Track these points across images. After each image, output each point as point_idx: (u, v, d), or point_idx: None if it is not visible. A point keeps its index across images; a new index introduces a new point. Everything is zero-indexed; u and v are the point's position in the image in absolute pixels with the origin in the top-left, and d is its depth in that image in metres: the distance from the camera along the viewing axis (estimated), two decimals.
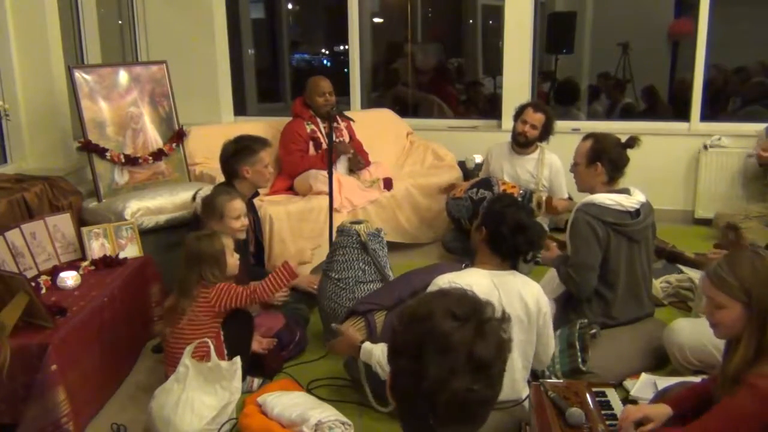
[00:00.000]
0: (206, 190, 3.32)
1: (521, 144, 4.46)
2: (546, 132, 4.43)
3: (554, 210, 4.32)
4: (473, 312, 1.21)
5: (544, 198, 4.31)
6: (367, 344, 2.60)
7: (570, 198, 4.42)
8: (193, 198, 3.34)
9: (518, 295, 2.42)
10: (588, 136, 3.17)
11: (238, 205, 3.18)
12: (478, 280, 2.38)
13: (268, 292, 2.86)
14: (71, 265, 3.20)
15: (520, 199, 4.01)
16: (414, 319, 1.22)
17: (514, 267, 2.53)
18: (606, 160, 3.06)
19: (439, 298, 1.26)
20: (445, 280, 2.40)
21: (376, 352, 2.52)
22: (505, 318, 1.24)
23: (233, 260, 2.92)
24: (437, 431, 1.20)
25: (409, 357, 1.20)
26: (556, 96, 6.81)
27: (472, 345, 1.17)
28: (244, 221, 3.23)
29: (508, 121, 5.04)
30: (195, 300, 2.77)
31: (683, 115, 5.44)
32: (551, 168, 4.46)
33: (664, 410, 2.10)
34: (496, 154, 4.61)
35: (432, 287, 2.43)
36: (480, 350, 1.17)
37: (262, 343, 3.03)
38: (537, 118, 4.39)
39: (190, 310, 2.77)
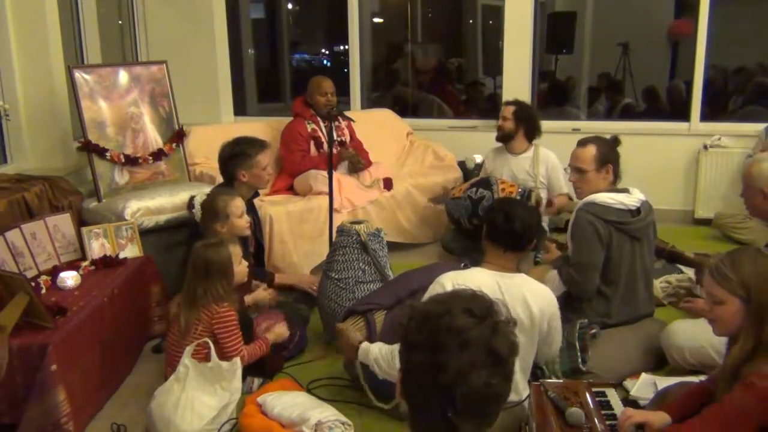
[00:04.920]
0: (201, 196, 3.28)
1: (500, 139, 4.54)
2: (526, 123, 4.46)
3: (555, 207, 4.34)
4: (488, 311, 1.26)
5: (543, 197, 4.31)
6: (364, 344, 2.60)
7: (569, 195, 4.41)
8: (190, 206, 3.22)
9: (522, 298, 2.42)
10: (585, 142, 3.14)
11: (240, 203, 3.20)
12: (482, 280, 2.38)
13: (250, 359, 2.81)
14: (71, 265, 3.20)
15: (518, 197, 4.01)
16: (429, 317, 1.25)
17: (518, 266, 2.53)
18: (614, 160, 3.08)
19: (453, 296, 1.31)
20: (448, 278, 2.40)
21: (374, 350, 2.52)
22: (512, 321, 1.29)
23: (241, 268, 2.91)
24: (454, 426, 1.22)
25: (425, 351, 1.22)
26: (548, 96, 6.81)
27: (490, 340, 1.22)
28: (247, 218, 3.24)
29: None
30: (200, 311, 2.73)
31: (683, 115, 5.45)
32: (548, 164, 4.46)
33: (663, 417, 2.10)
34: (493, 159, 4.63)
35: (435, 285, 2.43)
36: (497, 345, 1.22)
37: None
38: (508, 110, 4.50)
39: (195, 319, 2.74)
